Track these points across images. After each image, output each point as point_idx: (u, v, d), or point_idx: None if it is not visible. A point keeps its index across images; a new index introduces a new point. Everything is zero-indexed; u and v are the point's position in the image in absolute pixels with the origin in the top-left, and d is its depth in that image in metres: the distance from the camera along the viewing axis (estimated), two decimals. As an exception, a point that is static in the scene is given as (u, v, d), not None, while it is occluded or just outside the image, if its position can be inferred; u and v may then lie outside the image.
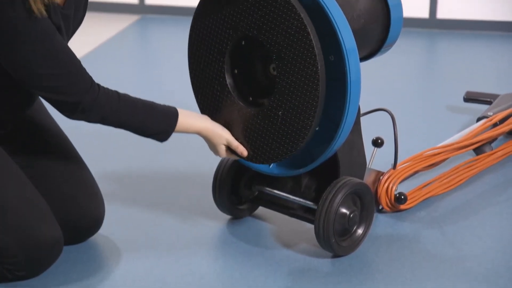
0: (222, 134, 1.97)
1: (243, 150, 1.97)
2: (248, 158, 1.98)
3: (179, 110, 1.93)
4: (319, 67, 1.78)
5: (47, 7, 1.68)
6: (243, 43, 1.92)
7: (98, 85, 1.81)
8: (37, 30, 1.67)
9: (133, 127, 1.88)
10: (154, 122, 1.89)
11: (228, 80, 1.97)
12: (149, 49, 4.44)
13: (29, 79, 1.73)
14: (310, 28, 1.78)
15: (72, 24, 1.86)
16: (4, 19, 1.65)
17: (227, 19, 1.91)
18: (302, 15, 1.77)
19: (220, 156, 2.01)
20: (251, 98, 1.98)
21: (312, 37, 1.77)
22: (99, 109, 1.79)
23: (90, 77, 1.80)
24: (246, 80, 1.99)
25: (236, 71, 1.97)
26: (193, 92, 2.06)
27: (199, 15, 1.97)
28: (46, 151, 2.02)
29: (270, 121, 1.91)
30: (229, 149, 1.99)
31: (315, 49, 1.77)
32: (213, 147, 2.00)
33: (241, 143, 1.98)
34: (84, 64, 1.81)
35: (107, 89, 1.83)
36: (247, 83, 1.99)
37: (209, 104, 2.02)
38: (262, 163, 1.97)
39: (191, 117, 1.95)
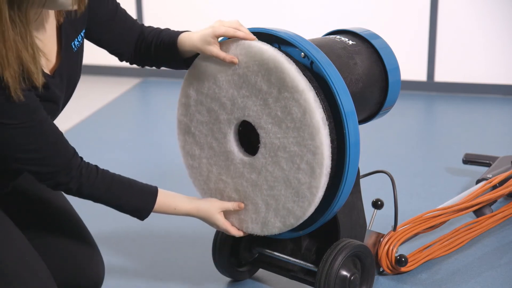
0: (212, 205, 1.93)
1: (240, 205, 1.94)
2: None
3: (160, 190, 1.88)
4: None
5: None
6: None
7: (81, 158, 1.78)
8: (18, 112, 1.62)
9: (110, 203, 1.84)
10: (131, 199, 1.84)
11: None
12: (149, 111, 4.47)
13: (9, 154, 1.68)
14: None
15: (66, 89, 1.83)
16: None
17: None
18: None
19: (222, 228, 1.95)
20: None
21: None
22: (77, 183, 1.76)
23: (73, 150, 1.76)
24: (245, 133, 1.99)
25: (240, 128, 1.98)
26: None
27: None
28: (44, 211, 2.01)
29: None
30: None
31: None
32: (211, 222, 1.95)
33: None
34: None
35: (88, 163, 1.79)
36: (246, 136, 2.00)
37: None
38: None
39: (175, 198, 1.90)
